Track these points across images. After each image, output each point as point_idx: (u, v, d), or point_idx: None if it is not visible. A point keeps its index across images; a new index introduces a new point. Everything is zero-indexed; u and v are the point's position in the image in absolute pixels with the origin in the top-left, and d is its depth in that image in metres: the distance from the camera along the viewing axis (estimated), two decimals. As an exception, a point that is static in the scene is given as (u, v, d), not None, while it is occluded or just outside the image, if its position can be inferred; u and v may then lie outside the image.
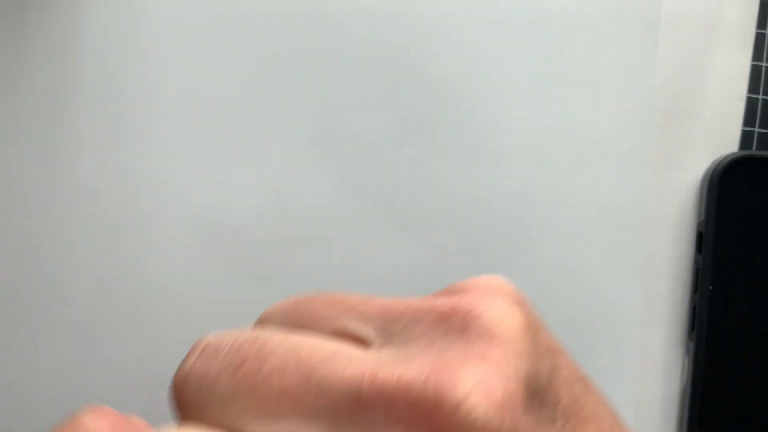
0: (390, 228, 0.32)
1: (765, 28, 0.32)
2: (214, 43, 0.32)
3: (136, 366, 0.32)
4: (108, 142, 0.32)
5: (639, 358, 0.32)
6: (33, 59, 0.32)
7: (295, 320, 0.15)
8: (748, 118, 0.32)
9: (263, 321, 0.16)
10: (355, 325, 0.13)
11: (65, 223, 0.32)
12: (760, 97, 0.32)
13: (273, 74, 0.32)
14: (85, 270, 0.32)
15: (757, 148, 0.32)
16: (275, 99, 0.32)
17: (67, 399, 0.32)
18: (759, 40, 0.32)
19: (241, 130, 0.32)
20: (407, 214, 0.32)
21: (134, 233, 0.32)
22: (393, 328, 0.13)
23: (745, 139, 0.32)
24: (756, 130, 0.32)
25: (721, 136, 0.32)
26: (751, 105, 0.32)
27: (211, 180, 0.32)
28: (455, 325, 0.12)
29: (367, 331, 0.13)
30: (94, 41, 0.32)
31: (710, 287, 0.30)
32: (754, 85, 0.32)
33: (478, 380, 0.11)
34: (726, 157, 0.31)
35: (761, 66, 0.32)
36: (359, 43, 0.32)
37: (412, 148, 0.32)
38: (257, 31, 0.32)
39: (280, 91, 0.32)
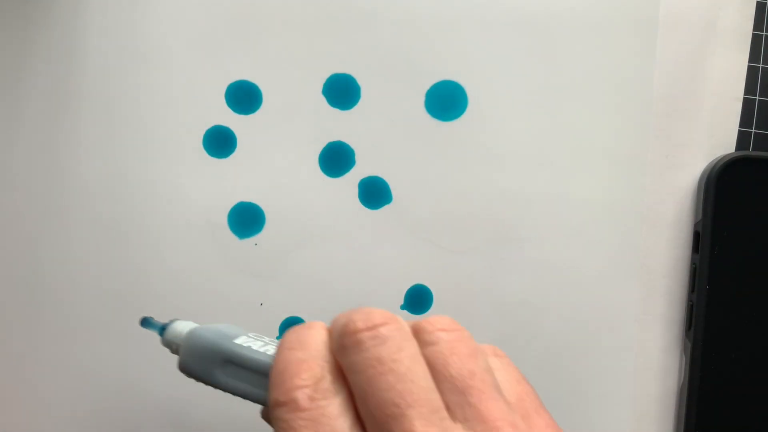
0: (390, 228, 0.32)
1: (762, 30, 0.32)
2: (214, 43, 0.32)
3: (136, 365, 0.32)
4: (108, 142, 0.32)
5: (637, 357, 0.32)
6: (33, 59, 0.32)
7: None
8: (745, 119, 0.32)
9: None
10: None
11: (66, 223, 0.32)
12: (757, 98, 0.32)
13: (273, 75, 0.32)
14: (86, 270, 0.32)
15: (753, 149, 0.32)
16: (275, 99, 0.32)
17: (67, 398, 0.32)
18: (755, 41, 0.32)
19: (241, 131, 0.32)
20: (408, 213, 0.32)
21: (135, 233, 0.32)
22: None
23: (742, 139, 0.32)
24: (753, 130, 0.32)
25: (718, 137, 0.32)
26: (747, 106, 0.32)
27: (211, 180, 0.32)
28: None
29: None
30: (94, 41, 0.32)
31: (707, 286, 0.31)
32: (750, 86, 0.32)
33: None
34: (723, 157, 0.31)
35: (758, 67, 0.32)
36: (360, 44, 0.32)
37: (412, 148, 0.32)
38: (257, 32, 0.32)
39: (280, 91, 0.32)
